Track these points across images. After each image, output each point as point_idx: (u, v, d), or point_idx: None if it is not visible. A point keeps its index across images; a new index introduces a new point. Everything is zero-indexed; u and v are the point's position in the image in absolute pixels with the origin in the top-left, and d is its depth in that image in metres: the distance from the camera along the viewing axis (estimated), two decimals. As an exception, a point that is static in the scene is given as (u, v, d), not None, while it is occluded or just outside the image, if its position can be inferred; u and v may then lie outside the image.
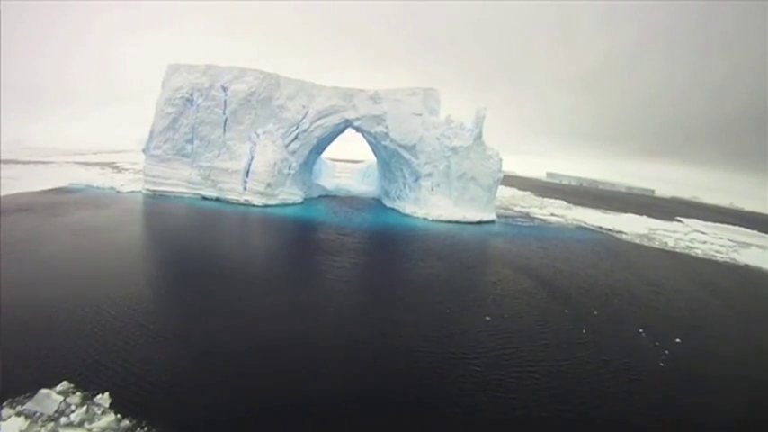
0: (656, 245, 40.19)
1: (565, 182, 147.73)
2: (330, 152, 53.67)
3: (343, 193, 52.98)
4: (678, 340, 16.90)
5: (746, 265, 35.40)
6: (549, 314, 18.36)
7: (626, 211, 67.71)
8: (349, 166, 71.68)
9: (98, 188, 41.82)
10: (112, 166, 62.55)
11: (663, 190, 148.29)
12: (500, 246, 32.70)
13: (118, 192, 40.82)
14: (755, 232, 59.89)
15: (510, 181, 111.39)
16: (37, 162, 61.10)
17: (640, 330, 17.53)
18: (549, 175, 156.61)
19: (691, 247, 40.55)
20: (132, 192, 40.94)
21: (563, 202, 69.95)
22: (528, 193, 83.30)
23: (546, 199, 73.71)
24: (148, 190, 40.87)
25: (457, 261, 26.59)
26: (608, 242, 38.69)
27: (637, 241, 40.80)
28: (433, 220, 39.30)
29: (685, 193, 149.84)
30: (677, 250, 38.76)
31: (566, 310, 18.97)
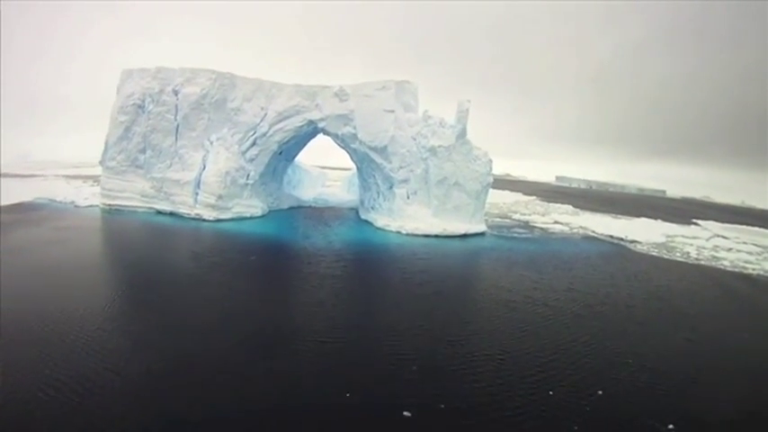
0: (678, 256, 33.61)
1: (574, 185, 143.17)
2: (329, 160, 48.37)
3: (321, 204, 47.54)
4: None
5: None
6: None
7: (639, 215, 60.97)
8: (344, 175, 66.81)
9: (60, 203, 39.22)
10: (96, 178, 59.28)
11: (673, 190, 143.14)
12: (480, 270, 26.49)
13: (76, 206, 38.07)
14: None
15: (518, 186, 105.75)
16: (24, 176, 59.13)
17: None
18: (558, 178, 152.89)
19: (716, 258, 33.94)
20: (90, 206, 38.18)
21: (570, 207, 63.58)
22: (533, 197, 76.99)
23: (552, 204, 67.31)
24: (105, 204, 37.97)
25: (408, 301, 19.23)
26: (620, 256, 32.14)
27: (654, 253, 34.25)
28: (407, 234, 33.36)
29: (696, 192, 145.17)
30: (702, 262, 32.19)
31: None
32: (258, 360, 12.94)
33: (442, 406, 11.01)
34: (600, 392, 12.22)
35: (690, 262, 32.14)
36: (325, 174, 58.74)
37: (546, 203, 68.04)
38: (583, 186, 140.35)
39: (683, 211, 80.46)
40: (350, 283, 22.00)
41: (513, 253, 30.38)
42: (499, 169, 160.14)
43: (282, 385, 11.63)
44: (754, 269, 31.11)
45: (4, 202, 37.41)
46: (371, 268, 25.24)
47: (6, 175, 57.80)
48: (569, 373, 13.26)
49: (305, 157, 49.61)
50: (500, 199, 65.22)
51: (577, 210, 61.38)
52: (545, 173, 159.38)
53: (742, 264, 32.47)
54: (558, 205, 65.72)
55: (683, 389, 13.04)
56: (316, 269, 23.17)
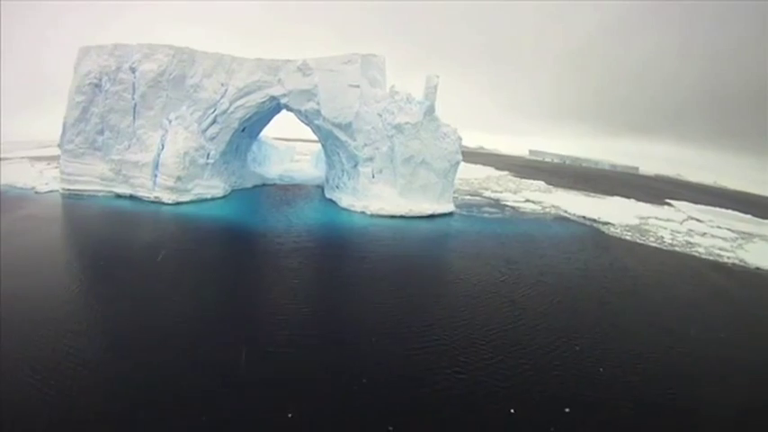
0: (652, 241, 32.86)
1: (547, 159, 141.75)
2: (303, 132, 45.53)
3: (287, 181, 46.00)
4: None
5: (758, 269, 28.30)
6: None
7: (612, 193, 60.40)
8: (315, 148, 64.25)
9: (20, 188, 37.17)
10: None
11: (647, 167, 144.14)
12: (445, 259, 25.28)
13: (37, 192, 35.99)
14: (749, 217, 54.01)
15: (489, 159, 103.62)
16: None
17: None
18: (531, 152, 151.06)
19: (691, 243, 33.39)
20: (51, 191, 36.13)
21: (542, 184, 62.70)
22: (506, 173, 75.42)
23: (524, 180, 66.15)
24: (64, 189, 35.72)
25: (363, 305, 17.72)
26: (593, 241, 31.33)
27: (628, 236, 33.39)
28: (372, 215, 32.26)
29: (669, 170, 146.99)
30: (677, 248, 31.55)
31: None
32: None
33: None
34: (567, 410, 11.33)
35: (664, 248, 31.40)
36: (292, 148, 56.56)
37: (518, 179, 66.86)
38: (556, 161, 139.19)
39: (657, 190, 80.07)
40: (305, 279, 20.17)
41: (481, 236, 29.35)
42: (473, 142, 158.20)
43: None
44: (728, 258, 30.69)
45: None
46: (330, 259, 23.78)
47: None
48: (538, 389, 12.21)
49: (276, 129, 47.69)
50: (471, 174, 63.75)
51: (550, 187, 60.48)
52: (519, 147, 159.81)
53: (717, 251, 31.87)
54: (531, 182, 64.56)
55: (662, 407, 12.04)
56: (271, 260, 22.14)
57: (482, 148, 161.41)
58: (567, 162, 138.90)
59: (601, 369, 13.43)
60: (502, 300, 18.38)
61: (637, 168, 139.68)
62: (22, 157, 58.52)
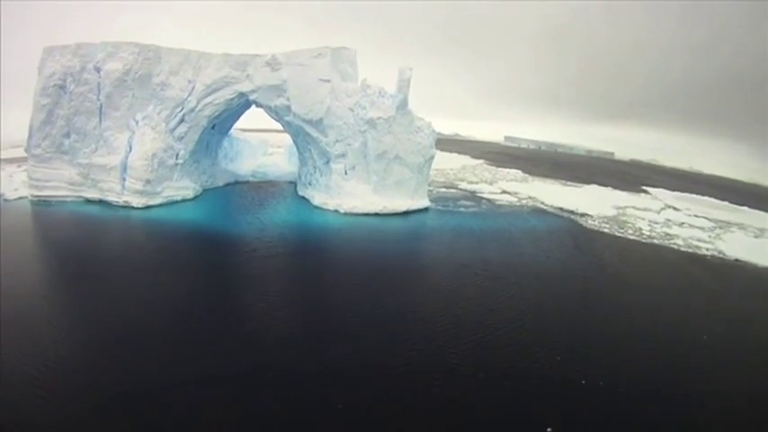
0: (630, 233, 32.71)
1: (523, 145, 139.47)
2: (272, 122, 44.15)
3: (260, 177, 44.71)
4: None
5: (737, 261, 28.10)
6: None
7: (589, 181, 60.00)
8: (288, 140, 62.76)
9: None
10: (33, 159, 55.81)
11: (622, 152, 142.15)
12: (420, 261, 24.78)
13: (5, 200, 34.45)
14: (726, 204, 54.17)
15: (465, 147, 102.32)
16: None
17: None
18: (506, 138, 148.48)
19: (669, 235, 33.47)
20: (19, 198, 34.60)
21: (519, 172, 62.17)
22: (481, 161, 74.39)
23: (500, 169, 65.35)
24: (33, 196, 34.27)
25: (331, 322, 16.86)
26: (572, 235, 31.06)
27: (606, 229, 33.06)
28: (345, 214, 31.59)
29: (644, 155, 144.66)
30: (655, 240, 31.56)
31: None
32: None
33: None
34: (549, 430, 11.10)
35: (643, 240, 31.27)
36: (265, 141, 54.75)
37: (494, 168, 66.07)
38: (532, 147, 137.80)
39: (633, 176, 80.00)
40: (275, 290, 19.64)
41: (457, 234, 28.88)
42: (448, 129, 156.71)
43: None
44: (707, 249, 30.82)
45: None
46: (301, 265, 23.30)
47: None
48: (519, 411, 11.86)
49: (250, 120, 45.87)
50: (447, 164, 62.63)
51: (526, 176, 59.98)
52: (494, 133, 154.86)
53: (695, 243, 31.86)
54: (507, 170, 63.84)
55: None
56: (241, 269, 21.49)
57: (457, 135, 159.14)
58: (543, 148, 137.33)
59: (583, 381, 13.21)
60: (477, 310, 17.90)
61: (612, 154, 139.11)
62: (-9, 159, 57.17)
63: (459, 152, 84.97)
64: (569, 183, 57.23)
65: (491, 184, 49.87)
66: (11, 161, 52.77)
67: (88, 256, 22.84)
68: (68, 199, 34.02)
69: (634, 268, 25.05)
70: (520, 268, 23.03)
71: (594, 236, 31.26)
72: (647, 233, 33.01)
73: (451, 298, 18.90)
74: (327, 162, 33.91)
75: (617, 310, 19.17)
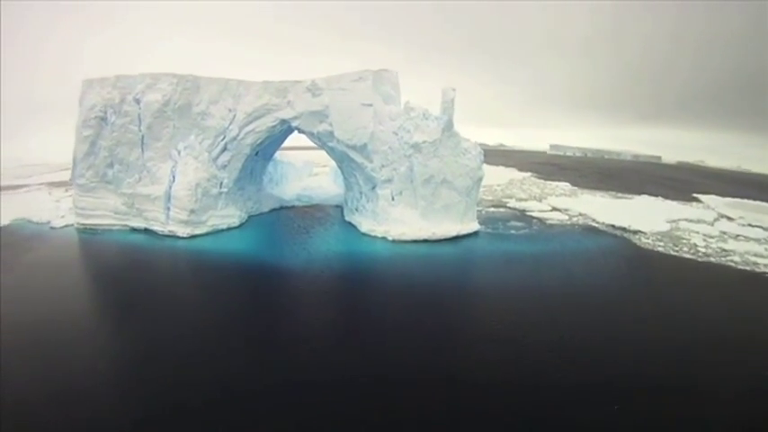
0: (685, 251, 31.30)
1: (569, 153, 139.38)
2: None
3: (305, 202, 44.55)
4: None
5: None
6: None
7: (639, 191, 58.29)
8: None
9: (36, 223, 36.28)
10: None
11: (668, 155, 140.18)
12: (470, 296, 23.58)
13: (52, 228, 35.19)
14: None
15: (511, 158, 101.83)
16: (10, 188, 54.45)
17: None
18: (552, 147, 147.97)
19: (725, 251, 31.79)
20: (66, 226, 35.33)
21: (567, 185, 60.98)
22: (528, 174, 73.74)
23: (548, 182, 64.25)
24: (80, 224, 34.96)
25: (378, 341, 17.13)
26: (626, 260, 29.56)
27: (660, 248, 31.89)
28: (393, 241, 31.04)
29: (691, 156, 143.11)
30: (712, 259, 29.98)
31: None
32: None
33: None
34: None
35: (699, 259, 29.91)
36: (310, 163, 55.35)
37: (542, 182, 65.05)
38: (578, 155, 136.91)
39: (683, 182, 77.47)
40: (321, 329, 18.99)
41: (509, 261, 27.96)
42: (492, 140, 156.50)
43: None
44: (766, 265, 29.07)
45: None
46: (349, 302, 22.63)
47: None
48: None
49: (295, 139, 45.88)
50: (494, 179, 61.90)
51: (575, 188, 58.71)
52: (539, 141, 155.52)
53: (753, 259, 30.34)
54: (555, 184, 62.71)
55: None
56: (287, 305, 21.04)
57: (502, 145, 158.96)
58: (589, 155, 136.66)
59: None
60: (536, 345, 17.29)
61: (659, 158, 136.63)
62: (41, 183, 57.75)
63: (506, 165, 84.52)
64: (619, 194, 55.84)
65: (540, 200, 48.64)
66: (59, 185, 53.18)
67: (135, 284, 23.21)
68: (114, 227, 34.64)
69: (693, 300, 23.30)
70: (577, 298, 22.16)
71: (649, 256, 30.24)
72: (703, 250, 31.41)
73: (496, 349, 17.42)
74: (374, 188, 33.46)
75: (679, 361, 17.13)
